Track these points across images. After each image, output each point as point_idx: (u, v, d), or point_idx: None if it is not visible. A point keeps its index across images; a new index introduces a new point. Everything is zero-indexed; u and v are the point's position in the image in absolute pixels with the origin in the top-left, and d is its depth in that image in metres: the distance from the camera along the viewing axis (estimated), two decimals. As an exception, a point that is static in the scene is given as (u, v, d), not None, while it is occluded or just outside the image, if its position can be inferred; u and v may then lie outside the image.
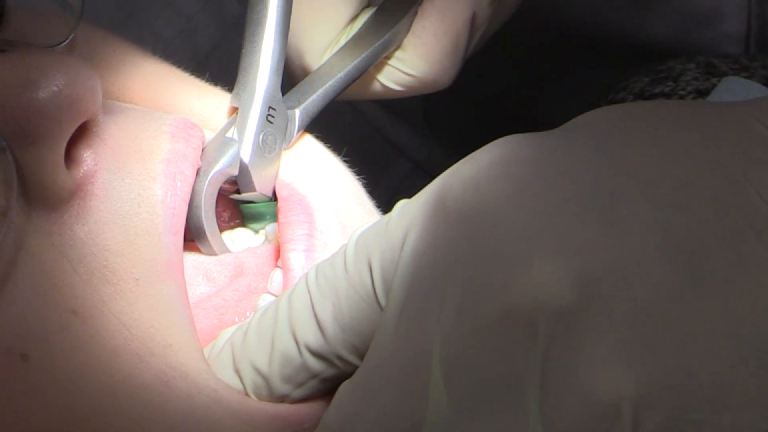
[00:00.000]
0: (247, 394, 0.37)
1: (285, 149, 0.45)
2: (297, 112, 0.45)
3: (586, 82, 0.73)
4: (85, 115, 0.36)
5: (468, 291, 0.31)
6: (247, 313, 0.41)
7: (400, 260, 0.33)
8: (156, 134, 0.40)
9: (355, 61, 0.49)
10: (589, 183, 0.31)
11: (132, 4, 0.77)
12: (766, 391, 0.28)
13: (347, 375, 0.35)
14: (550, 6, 0.74)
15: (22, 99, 0.34)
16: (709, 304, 0.29)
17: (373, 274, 0.34)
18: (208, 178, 0.42)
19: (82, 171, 0.38)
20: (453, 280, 0.31)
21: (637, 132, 0.33)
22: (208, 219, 0.42)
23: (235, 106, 0.44)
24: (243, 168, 0.43)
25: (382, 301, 0.34)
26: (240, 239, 0.45)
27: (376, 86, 0.52)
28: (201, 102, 0.45)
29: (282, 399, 0.37)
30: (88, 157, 0.38)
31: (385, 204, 0.45)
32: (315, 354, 0.36)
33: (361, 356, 0.35)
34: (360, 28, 0.51)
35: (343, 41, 0.51)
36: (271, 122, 0.44)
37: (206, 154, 0.43)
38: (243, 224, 0.46)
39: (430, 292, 0.32)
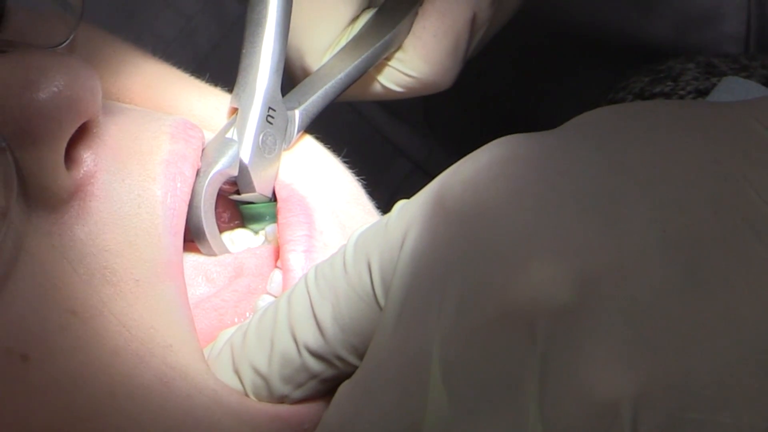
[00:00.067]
0: (246, 395, 0.37)
1: (285, 150, 0.45)
2: (297, 112, 0.45)
3: (585, 82, 0.73)
4: (85, 116, 0.36)
5: (467, 291, 0.31)
6: (247, 314, 0.41)
7: (399, 260, 0.33)
8: (156, 135, 0.40)
9: (356, 62, 0.49)
10: (588, 183, 0.31)
11: (132, 5, 0.77)
12: (766, 391, 0.28)
13: (347, 375, 0.35)
14: (550, 6, 0.74)
15: (22, 99, 0.34)
16: (709, 303, 0.29)
17: (373, 274, 0.34)
18: (208, 179, 0.42)
19: (82, 172, 0.38)
20: (452, 280, 0.31)
21: (636, 132, 0.33)
22: (207, 220, 0.42)
23: (235, 106, 0.44)
24: (243, 168, 0.43)
25: (382, 302, 0.34)
26: (240, 240, 0.45)
27: (377, 87, 0.52)
28: (201, 103, 0.45)
29: (282, 399, 0.37)
30: (88, 158, 0.38)
31: (384, 204, 0.45)
32: (314, 354, 0.36)
33: (361, 356, 0.35)
34: (360, 29, 0.51)
35: (343, 42, 0.51)
36: (270, 123, 0.44)
37: (206, 154, 0.43)
38: (243, 225, 0.46)
39: (430, 292, 0.32)
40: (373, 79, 0.52)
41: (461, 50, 0.51)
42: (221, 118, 0.45)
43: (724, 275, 0.29)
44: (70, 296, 0.35)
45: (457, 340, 0.31)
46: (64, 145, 0.36)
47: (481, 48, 0.55)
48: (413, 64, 0.51)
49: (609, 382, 0.29)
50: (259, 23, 0.45)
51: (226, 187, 0.44)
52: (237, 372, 0.37)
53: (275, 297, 0.41)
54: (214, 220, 0.43)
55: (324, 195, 0.44)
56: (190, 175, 0.40)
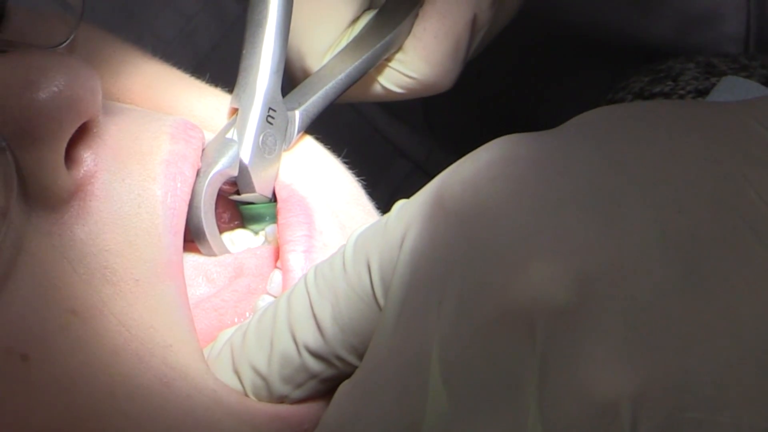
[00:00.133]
0: (246, 395, 0.37)
1: (285, 150, 0.45)
2: (297, 113, 0.45)
3: (585, 82, 0.73)
4: (85, 116, 0.36)
5: (467, 291, 0.31)
6: (247, 314, 0.41)
7: (398, 260, 0.33)
8: (156, 135, 0.40)
9: (356, 63, 0.49)
10: (588, 183, 0.31)
11: (132, 5, 0.77)
12: (765, 390, 0.28)
13: (346, 375, 0.35)
14: (550, 6, 0.74)
15: (22, 99, 0.35)
16: (708, 303, 0.29)
17: (372, 274, 0.35)
18: (208, 179, 0.42)
19: (82, 171, 0.38)
20: (452, 280, 0.31)
21: (636, 132, 0.33)
22: (207, 220, 0.42)
23: (235, 107, 0.44)
24: (243, 169, 0.43)
25: (381, 302, 0.34)
26: (240, 240, 0.45)
27: (377, 88, 0.52)
28: (201, 103, 0.45)
29: (281, 399, 0.37)
30: (88, 158, 0.38)
31: (384, 204, 0.45)
32: (314, 354, 0.36)
33: (360, 356, 0.35)
34: (361, 30, 0.51)
35: (343, 43, 0.51)
36: (271, 123, 0.44)
37: (206, 155, 0.43)
38: (243, 225, 0.46)
39: (429, 292, 0.32)
40: (374, 80, 0.52)
41: (462, 51, 0.51)
42: (221, 118, 0.45)
43: (724, 275, 0.29)
44: (70, 296, 0.35)
45: (457, 340, 0.31)
46: (65, 145, 0.36)
47: (482, 49, 0.55)
48: (414, 65, 0.51)
49: (609, 381, 0.29)
50: (260, 24, 0.45)
51: (226, 187, 0.44)
52: (237, 372, 0.37)
53: (275, 297, 0.41)
54: (214, 220, 0.43)
55: (324, 195, 0.44)
56: (191, 175, 0.40)
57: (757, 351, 0.29)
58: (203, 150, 0.43)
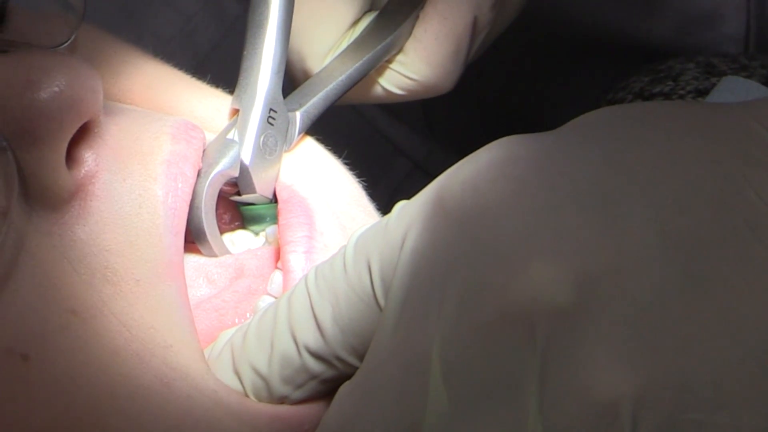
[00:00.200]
0: (246, 396, 0.37)
1: (286, 151, 0.45)
2: (298, 114, 0.46)
3: (585, 82, 0.73)
4: (86, 116, 0.37)
5: (467, 291, 0.31)
6: (247, 315, 0.41)
7: (399, 261, 0.33)
8: (157, 135, 0.40)
9: (357, 65, 0.49)
10: (587, 183, 0.31)
11: (132, 5, 0.77)
12: (765, 391, 0.28)
13: (347, 376, 0.35)
14: (551, 6, 0.74)
15: (23, 99, 0.35)
16: (708, 304, 0.29)
17: (372, 275, 0.35)
18: (209, 180, 0.42)
19: (83, 171, 0.38)
20: (452, 281, 0.31)
21: (636, 132, 0.33)
22: (208, 220, 0.42)
23: (236, 108, 0.44)
24: (243, 169, 0.43)
25: (381, 302, 0.34)
26: (240, 241, 0.45)
27: (378, 90, 0.53)
28: (202, 104, 0.45)
29: (282, 400, 0.37)
30: (89, 158, 0.38)
31: (384, 204, 0.45)
32: (314, 355, 0.36)
33: (361, 357, 0.35)
34: (362, 32, 0.51)
35: (344, 45, 0.51)
36: (272, 124, 0.44)
37: (207, 155, 0.43)
38: (243, 226, 0.46)
39: (430, 293, 0.32)
40: (374, 81, 0.52)
41: (462, 53, 0.51)
42: (222, 119, 0.45)
43: (724, 275, 0.29)
44: (71, 296, 0.35)
45: (457, 341, 0.31)
46: (65, 145, 0.36)
47: (482, 51, 0.55)
48: (414, 66, 0.51)
49: (609, 382, 0.29)
50: (261, 25, 0.45)
51: (227, 188, 0.44)
52: (237, 372, 0.37)
53: (275, 298, 0.41)
54: (215, 221, 0.43)
55: (324, 196, 0.44)
56: (192, 175, 0.40)
57: (757, 351, 0.29)
58: (204, 150, 0.43)
